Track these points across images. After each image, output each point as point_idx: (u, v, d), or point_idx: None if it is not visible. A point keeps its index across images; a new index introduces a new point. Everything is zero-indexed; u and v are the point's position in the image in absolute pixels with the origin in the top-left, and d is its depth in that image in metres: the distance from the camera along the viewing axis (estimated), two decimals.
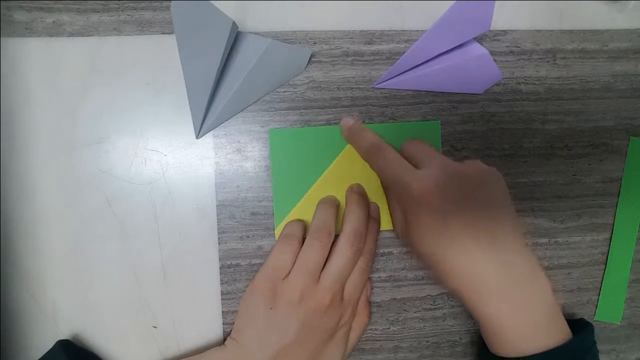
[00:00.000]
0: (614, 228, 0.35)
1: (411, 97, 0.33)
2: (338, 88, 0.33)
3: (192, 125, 0.31)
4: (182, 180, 0.31)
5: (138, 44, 0.31)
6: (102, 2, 0.31)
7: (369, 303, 0.33)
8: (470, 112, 0.34)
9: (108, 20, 0.31)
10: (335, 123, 0.33)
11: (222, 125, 0.32)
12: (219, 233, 0.32)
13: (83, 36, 0.31)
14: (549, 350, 0.25)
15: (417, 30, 0.33)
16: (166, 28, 0.31)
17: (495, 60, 0.33)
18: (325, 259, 0.29)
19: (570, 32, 0.35)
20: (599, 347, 0.28)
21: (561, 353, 0.25)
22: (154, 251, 0.31)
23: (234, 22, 0.27)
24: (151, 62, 0.31)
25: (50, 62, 0.30)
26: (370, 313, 0.33)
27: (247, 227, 0.32)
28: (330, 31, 0.32)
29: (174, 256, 0.31)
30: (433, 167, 0.27)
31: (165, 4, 0.31)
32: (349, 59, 0.33)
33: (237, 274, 0.32)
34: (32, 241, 0.30)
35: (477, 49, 0.31)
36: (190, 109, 0.30)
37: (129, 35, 0.31)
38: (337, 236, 0.30)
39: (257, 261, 0.32)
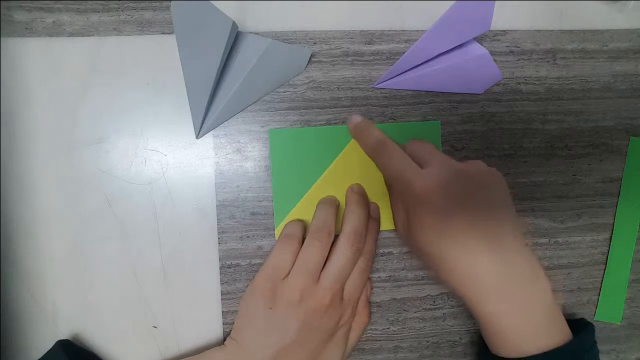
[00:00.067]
0: (614, 228, 0.35)
1: (411, 97, 0.33)
2: (338, 88, 0.33)
3: (192, 125, 0.31)
4: (182, 180, 0.31)
5: (138, 44, 0.31)
6: (102, 2, 0.31)
7: (369, 303, 0.33)
8: (470, 112, 0.34)
9: (108, 20, 0.31)
10: (335, 123, 0.33)
11: (222, 125, 0.32)
12: (219, 233, 0.32)
13: (83, 36, 0.31)
14: (549, 351, 0.25)
15: (417, 30, 0.33)
16: (166, 28, 0.31)
17: (495, 60, 0.33)
18: (325, 259, 0.29)
19: (570, 32, 0.35)
20: (599, 347, 0.28)
21: (561, 353, 0.25)
22: (154, 251, 0.31)
23: (234, 22, 0.27)
24: (151, 62, 0.31)
25: (50, 62, 0.30)
26: (370, 313, 0.33)
27: (247, 227, 0.32)
28: (330, 31, 0.33)
29: (174, 256, 0.31)
30: (436, 166, 0.27)
31: (165, 4, 0.31)
32: (349, 59, 0.33)
33: (237, 274, 0.32)
34: (32, 241, 0.30)
35: (477, 49, 0.31)
36: (190, 109, 0.30)
37: (129, 35, 0.31)
38: (337, 236, 0.30)
39: (257, 261, 0.32)
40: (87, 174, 0.31)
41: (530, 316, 0.25)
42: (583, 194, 0.35)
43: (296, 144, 0.32)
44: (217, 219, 0.32)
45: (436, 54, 0.31)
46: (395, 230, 0.31)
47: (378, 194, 0.33)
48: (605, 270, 0.35)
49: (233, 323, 0.31)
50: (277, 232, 0.32)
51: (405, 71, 0.32)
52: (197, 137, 0.31)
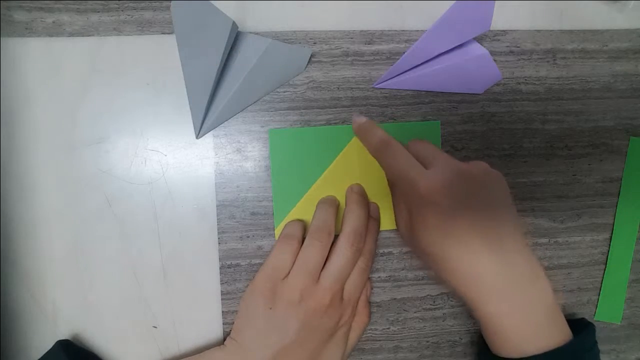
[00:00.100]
0: (614, 228, 0.35)
1: (411, 97, 0.33)
2: (338, 88, 0.33)
3: (192, 125, 0.31)
4: (182, 180, 0.31)
5: (138, 44, 0.31)
6: (102, 2, 0.31)
7: (369, 303, 0.33)
8: (470, 112, 0.34)
9: (108, 20, 0.31)
10: (335, 123, 0.33)
11: (222, 125, 0.32)
12: (219, 233, 0.32)
13: (83, 36, 0.31)
14: (550, 351, 0.25)
15: (417, 30, 0.33)
16: (166, 28, 0.31)
17: (495, 60, 0.33)
18: (325, 259, 0.29)
19: (570, 32, 0.35)
20: (599, 347, 0.28)
21: (562, 353, 0.25)
22: (154, 251, 0.31)
23: (234, 22, 0.27)
24: (151, 62, 0.31)
25: (50, 62, 0.30)
26: (370, 313, 0.33)
27: (247, 227, 0.32)
28: (330, 31, 0.33)
29: (174, 256, 0.31)
30: (441, 166, 0.27)
31: (165, 4, 0.31)
32: (349, 59, 0.33)
33: (237, 274, 0.32)
34: (32, 241, 0.30)
35: (477, 49, 0.31)
36: (190, 109, 0.30)
37: (129, 35, 0.31)
38: (337, 236, 0.30)
39: (257, 261, 0.32)
40: (87, 174, 0.31)
41: (530, 316, 0.25)
42: (583, 194, 0.35)
43: (296, 144, 0.32)
44: (217, 219, 0.32)
45: (436, 54, 0.31)
46: (397, 230, 0.31)
47: (378, 194, 0.33)
48: (605, 270, 0.36)
49: (233, 323, 0.31)
50: (277, 232, 0.32)
51: (405, 71, 0.32)
52: (197, 137, 0.31)
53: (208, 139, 0.32)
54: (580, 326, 0.28)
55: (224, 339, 0.31)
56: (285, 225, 0.31)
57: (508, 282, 0.25)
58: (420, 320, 0.34)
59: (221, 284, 0.32)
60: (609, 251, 0.35)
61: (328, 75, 0.33)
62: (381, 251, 0.34)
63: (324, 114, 0.33)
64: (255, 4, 0.32)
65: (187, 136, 0.31)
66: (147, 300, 0.31)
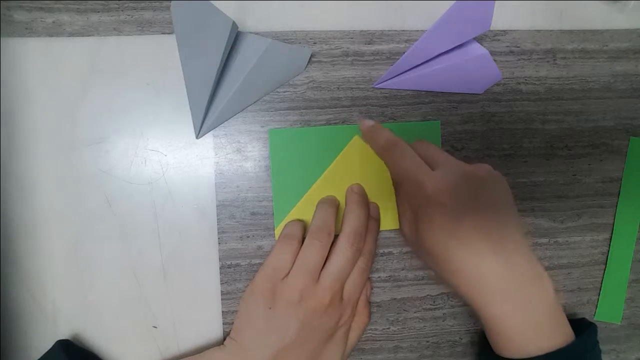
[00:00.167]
0: (614, 228, 0.35)
1: (411, 97, 0.33)
2: (338, 88, 0.33)
3: (192, 125, 0.31)
4: (182, 180, 0.31)
5: (138, 44, 0.31)
6: (102, 2, 0.31)
7: (369, 303, 0.33)
8: (470, 112, 0.34)
9: (108, 20, 0.31)
10: (335, 123, 0.33)
11: (222, 125, 0.32)
12: (219, 233, 0.32)
13: (83, 36, 0.31)
14: (553, 352, 0.25)
15: (417, 30, 0.33)
16: (166, 28, 0.31)
17: (495, 60, 0.33)
18: (325, 258, 0.29)
19: (570, 32, 0.35)
20: (599, 347, 0.28)
21: (564, 354, 0.25)
22: (154, 251, 0.31)
23: (234, 22, 0.27)
24: (151, 62, 0.31)
25: (50, 62, 0.30)
26: (370, 313, 0.33)
27: (247, 227, 0.32)
28: (330, 31, 0.32)
29: (174, 256, 0.31)
30: (446, 168, 0.27)
31: (165, 4, 0.31)
32: (349, 59, 0.33)
33: (237, 274, 0.32)
34: (32, 241, 0.30)
35: (477, 49, 0.31)
36: (190, 109, 0.30)
37: (129, 35, 0.31)
38: (337, 236, 0.30)
39: (257, 261, 0.32)
40: (87, 174, 0.31)
41: (534, 317, 0.26)
42: (583, 194, 0.35)
43: (296, 144, 0.32)
44: (217, 219, 0.32)
45: (436, 54, 0.31)
46: (400, 231, 0.31)
47: (378, 194, 0.33)
48: (605, 270, 0.35)
49: (233, 323, 0.31)
50: (277, 232, 0.32)
51: (405, 71, 0.32)
52: (197, 137, 0.31)
53: (208, 139, 0.32)
54: (581, 326, 0.28)
55: (224, 339, 0.31)
56: (285, 225, 0.31)
57: (511, 283, 0.25)
58: (420, 320, 0.34)
59: (221, 284, 0.32)
60: (609, 251, 0.35)
61: (328, 75, 0.33)
62: (381, 251, 0.34)
63: (324, 114, 0.33)
64: (255, 4, 0.32)
65: (187, 136, 0.31)
66: (147, 300, 0.31)
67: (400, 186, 0.30)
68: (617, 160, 0.36)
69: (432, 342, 0.34)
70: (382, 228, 0.33)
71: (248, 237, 0.32)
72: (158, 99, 0.31)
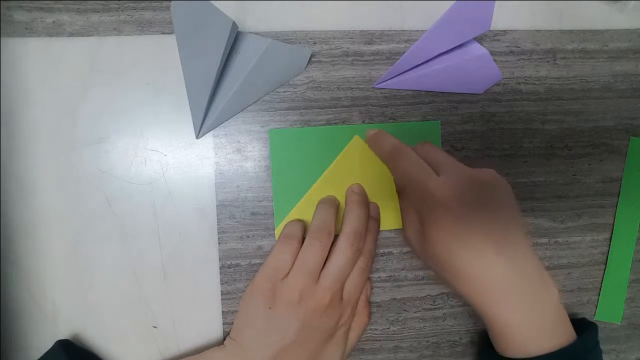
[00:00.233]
0: (614, 228, 0.35)
1: (411, 97, 0.33)
2: (338, 88, 0.33)
3: (192, 125, 0.31)
4: (182, 180, 0.31)
5: (138, 44, 0.31)
6: (102, 2, 0.31)
7: (369, 303, 0.33)
8: (470, 112, 0.34)
9: (108, 20, 0.31)
10: (335, 123, 0.33)
11: (222, 125, 0.32)
12: (219, 233, 0.32)
13: (83, 36, 0.31)
14: (555, 352, 0.25)
15: (417, 30, 0.33)
16: (166, 28, 0.31)
17: (495, 60, 0.33)
18: (325, 259, 0.29)
19: (570, 32, 0.35)
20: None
21: (566, 354, 0.25)
22: (154, 251, 0.31)
23: (234, 22, 0.27)
24: (151, 62, 0.31)
25: (50, 62, 0.30)
26: (370, 313, 0.33)
27: (247, 227, 0.32)
28: (330, 31, 0.32)
29: (174, 256, 0.31)
30: (452, 172, 0.27)
31: (165, 4, 0.31)
32: (349, 59, 0.33)
33: (237, 274, 0.32)
34: (32, 241, 0.30)
35: (477, 49, 0.31)
36: (190, 109, 0.30)
37: (129, 35, 0.31)
38: (337, 236, 0.30)
39: (257, 261, 0.32)
40: (87, 174, 0.31)
41: (538, 319, 0.26)
42: (583, 194, 0.35)
43: (296, 144, 0.32)
44: (217, 219, 0.32)
45: (436, 54, 0.30)
46: (404, 236, 0.31)
47: (378, 194, 0.33)
48: (605, 270, 0.35)
49: (233, 323, 0.31)
50: (277, 232, 0.32)
51: (405, 71, 0.32)
52: (197, 137, 0.31)
53: (208, 139, 0.32)
54: (582, 326, 0.28)
55: (224, 339, 0.31)
56: (285, 225, 0.31)
57: (517, 285, 0.25)
58: (420, 320, 0.34)
59: (221, 284, 0.32)
60: (609, 251, 0.35)
61: (328, 75, 0.33)
62: (381, 251, 0.34)
63: (324, 114, 0.33)
64: (255, 4, 0.32)
65: (187, 136, 0.31)
66: (147, 300, 0.31)
67: (405, 191, 0.30)
68: (617, 160, 0.36)
69: (432, 342, 0.34)
70: (382, 228, 0.33)
71: (248, 237, 0.32)
72: (158, 99, 0.31)
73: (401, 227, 0.33)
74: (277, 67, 0.31)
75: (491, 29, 0.30)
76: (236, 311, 0.31)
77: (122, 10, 0.31)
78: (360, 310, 0.32)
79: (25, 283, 0.30)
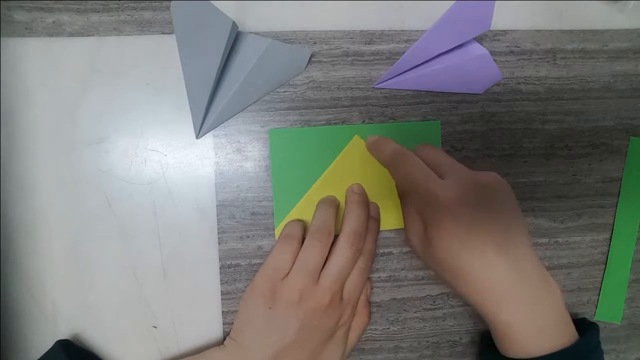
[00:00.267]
0: (614, 228, 0.35)
1: (411, 97, 0.33)
2: (338, 88, 0.33)
3: (192, 125, 0.31)
4: (182, 180, 0.31)
5: (138, 44, 0.31)
6: (102, 2, 0.31)
7: (369, 303, 0.33)
8: (470, 112, 0.34)
9: (108, 20, 0.31)
10: (335, 123, 0.33)
11: (222, 125, 0.32)
12: (219, 233, 0.32)
13: (83, 36, 0.31)
14: (557, 352, 0.25)
15: (417, 30, 0.33)
16: (166, 28, 0.31)
17: (495, 60, 0.33)
18: (325, 259, 0.29)
19: (570, 32, 0.35)
20: None
21: (568, 355, 0.25)
22: (154, 251, 0.31)
23: (234, 22, 0.27)
24: (151, 62, 0.31)
25: (50, 62, 0.30)
26: (370, 313, 0.33)
27: (247, 227, 0.32)
28: (330, 31, 0.32)
29: (174, 256, 0.31)
30: (457, 176, 0.27)
31: (165, 4, 0.31)
32: (349, 59, 0.33)
33: (237, 274, 0.32)
34: (32, 241, 0.30)
35: (477, 49, 0.31)
36: (190, 109, 0.30)
37: (129, 35, 0.31)
38: (337, 236, 0.30)
39: (257, 261, 0.32)
40: (87, 174, 0.31)
41: (539, 319, 0.26)
42: (583, 194, 0.35)
43: (296, 144, 0.32)
44: (217, 219, 0.32)
45: (436, 54, 0.30)
46: (407, 241, 0.31)
47: (378, 194, 0.33)
48: (605, 270, 0.35)
49: (233, 323, 0.31)
50: (277, 232, 0.32)
51: (405, 71, 0.32)
52: (197, 137, 0.31)
53: (208, 139, 0.32)
54: (583, 326, 0.28)
55: (224, 339, 0.31)
56: (285, 225, 0.31)
57: (517, 286, 0.25)
58: (420, 320, 0.34)
59: (221, 284, 0.32)
60: (609, 251, 0.35)
61: (328, 75, 0.33)
62: (381, 251, 0.34)
63: (324, 114, 0.33)
64: (255, 4, 0.32)
65: (187, 136, 0.31)
66: (147, 300, 0.31)
67: (409, 196, 0.29)
68: (617, 160, 0.36)
69: (432, 342, 0.34)
70: (382, 228, 0.33)
71: (248, 237, 0.32)
72: (158, 99, 0.31)
73: (401, 227, 0.33)
74: (277, 67, 0.31)
75: (491, 29, 0.30)
76: (236, 311, 0.31)
77: (122, 10, 0.31)
78: (360, 310, 0.32)
79: (25, 283, 0.30)
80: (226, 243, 0.32)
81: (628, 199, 0.35)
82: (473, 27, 0.29)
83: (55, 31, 0.31)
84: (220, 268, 0.32)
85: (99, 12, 0.31)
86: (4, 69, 0.30)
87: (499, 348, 0.28)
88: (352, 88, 0.33)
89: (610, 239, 0.36)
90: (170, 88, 0.31)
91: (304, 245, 0.29)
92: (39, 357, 0.28)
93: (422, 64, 0.32)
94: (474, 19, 0.28)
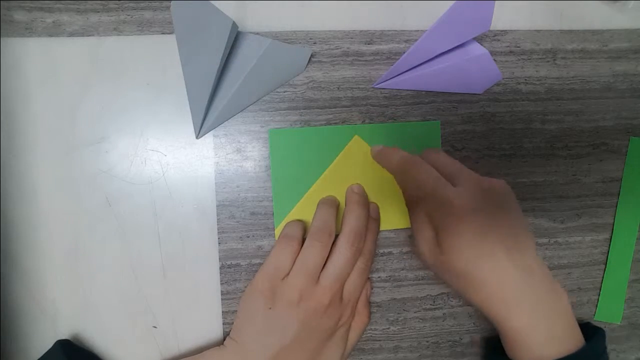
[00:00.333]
0: (614, 228, 0.35)
1: (411, 97, 0.33)
2: (338, 88, 0.33)
3: (192, 125, 0.31)
4: (182, 180, 0.31)
5: (138, 44, 0.31)
6: (102, 2, 0.31)
7: (369, 303, 0.33)
8: (470, 112, 0.34)
9: (108, 20, 0.31)
10: (335, 123, 0.33)
11: (222, 125, 0.32)
12: (219, 233, 0.32)
13: (83, 36, 0.31)
14: (563, 358, 0.25)
15: (417, 30, 0.33)
16: (166, 28, 0.31)
17: (495, 60, 0.33)
18: (325, 259, 0.29)
19: (570, 32, 0.35)
20: None
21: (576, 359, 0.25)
22: (154, 251, 0.31)
23: (234, 22, 0.27)
24: (151, 62, 0.31)
25: (50, 62, 0.30)
26: (370, 313, 0.33)
27: (247, 227, 0.32)
28: (330, 31, 0.32)
29: (173, 256, 0.31)
30: (469, 183, 0.27)
31: (165, 4, 0.31)
32: (349, 59, 0.33)
33: (237, 274, 0.32)
34: (32, 241, 0.30)
35: (477, 49, 0.31)
36: (190, 109, 0.30)
37: (129, 35, 0.31)
38: (337, 236, 0.30)
39: (257, 261, 0.32)
40: (87, 174, 0.31)
41: (549, 326, 0.26)
42: (583, 194, 0.35)
43: (296, 144, 0.32)
44: (217, 219, 0.32)
45: (436, 54, 0.30)
46: (416, 249, 0.30)
47: (378, 194, 0.33)
48: (605, 270, 0.35)
49: (233, 323, 0.31)
50: (277, 232, 0.32)
51: (405, 71, 0.32)
52: (197, 137, 0.31)
53: (208, 139, 0.32)
54: (589, 331, 0.28)
55: (224, 339, 0.31)
56: (285, 225, 0.31)
57: (531, 295, 0.25)
58: (420, 320, 0.34)
59: (221, 284, 0.32)
60: (609, 251, 0.35)
61: (328, 75, 0.33)
62: (381, 251, 0.34)
63: (324, 114, 0.33)
64: (255, 4, 0.32)
65: (187, 136, 0.31)
66: (147, 300, 0.31)
67: (419, 202, 0.29)
68: (617, 160, 0.36)
69: (432, 342, 0.34)
70: (382, 228, 0.33)
71: (248, 237, 0.32)
72: (158, 99, 0.31)
73: (401, 227, 0.33)
74: (277, 67, 0.31)
75: (491, 29, 0.30)
76: (236, 311, 0.31)
77: (122, 10, 0.31)
78: (360, 310, 0.32)
79: (25, 283, 0.30)
80: (226, 243, 0.32)
81: (628, 199, 0.35)
82: (473, 27, 0.29)
83: (55, 31, 0.31)
84: (220, 268, 0.32)
85: (98, 12, 0.31)
86: (4, 69, 0.30)
87: (508, 354, 0.28)
88: (352, 88, 0.33)
89: (610, 239, 0.36)
90: (170, 88, 0.31)
91: (304, 246, 0.29)
92: (39, 357, 0.28)
93: (422, 64, 0.32)
94: (474, 19, 0.28)
